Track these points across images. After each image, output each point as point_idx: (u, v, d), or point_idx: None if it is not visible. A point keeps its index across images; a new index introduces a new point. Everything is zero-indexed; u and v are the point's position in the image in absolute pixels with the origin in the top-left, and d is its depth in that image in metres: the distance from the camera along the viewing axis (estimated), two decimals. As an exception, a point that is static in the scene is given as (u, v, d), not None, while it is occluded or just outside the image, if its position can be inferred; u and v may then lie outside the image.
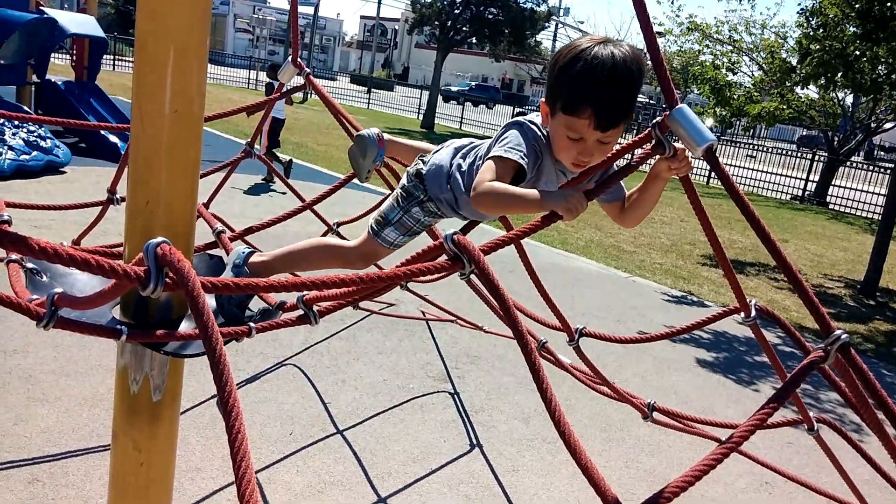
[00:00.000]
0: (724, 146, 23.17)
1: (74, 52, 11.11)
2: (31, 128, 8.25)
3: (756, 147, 23.12)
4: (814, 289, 8.46)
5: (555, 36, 46.66)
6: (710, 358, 5.54)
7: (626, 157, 1.66)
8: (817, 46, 8.26)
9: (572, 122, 1.61)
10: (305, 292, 1.56)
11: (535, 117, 1.77)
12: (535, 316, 2.56)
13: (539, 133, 1.74)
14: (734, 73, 12.21)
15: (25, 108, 9.60)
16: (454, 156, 1.97)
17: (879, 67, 9.28)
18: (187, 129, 1.49)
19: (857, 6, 7.29)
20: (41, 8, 9.98)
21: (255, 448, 3.32)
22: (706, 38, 15.04)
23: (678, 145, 1.52)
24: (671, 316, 6.42)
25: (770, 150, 22.23)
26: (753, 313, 1.81)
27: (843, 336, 1.23)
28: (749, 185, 19.98)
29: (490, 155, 1.71)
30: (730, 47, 14.70)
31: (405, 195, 2.01)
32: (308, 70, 2.45)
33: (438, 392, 4.23)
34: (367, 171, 2.27)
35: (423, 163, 2.00)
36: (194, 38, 1.46)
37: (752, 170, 20.09)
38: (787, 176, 19.22)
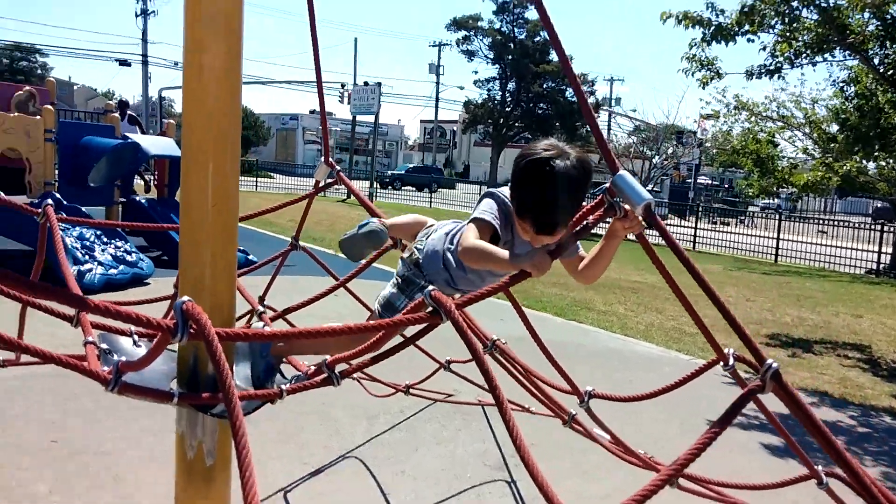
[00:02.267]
0: (792, 223, 22.72)
1: (156, 171, 12.10)
2: (119, 244, 8.95)
3: (825, 222, 22.59)
4: (891, 364, 8.10)
5: (609, 125, 47.51)
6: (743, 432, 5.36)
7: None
8: (853, 119, 8.30)
9: (522, 224, 1.92)
10: (327, 357, 1.76)
11: (506, 189, 2.04)
12: (550, 381, 2.70)
13: (509, 202, 2.01)
14: (776, 146, 12.26)
15: (112, 225, 10.43)
16: (445, 240, 2.25)
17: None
18: (224, 218, 1.76)
19: (888, 74, 7.33)
20: (126, 134, 11.01)
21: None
22: (754, 116, 15.15)
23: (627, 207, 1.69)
24: (731, 396, 6.25)
25: (839, 223, 21.67)
26: (731, 361, 1.93)
27: (774, 365, 1.34)
28: (820, 262, 19.41)
29: (469, 219, 2.01)
30: (780, 123, 14.75)
31: (406, 283, 2.29)
32: (339, 168, 2.78)
33: (495, 481, 4.26)
34: (364, 256, 2.58)
35: (419, 250, 2.28)
36: (228, 147, 1.76)
37: (823, 245, 19.58)
38: (858, 249, 18.61)
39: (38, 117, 9.44)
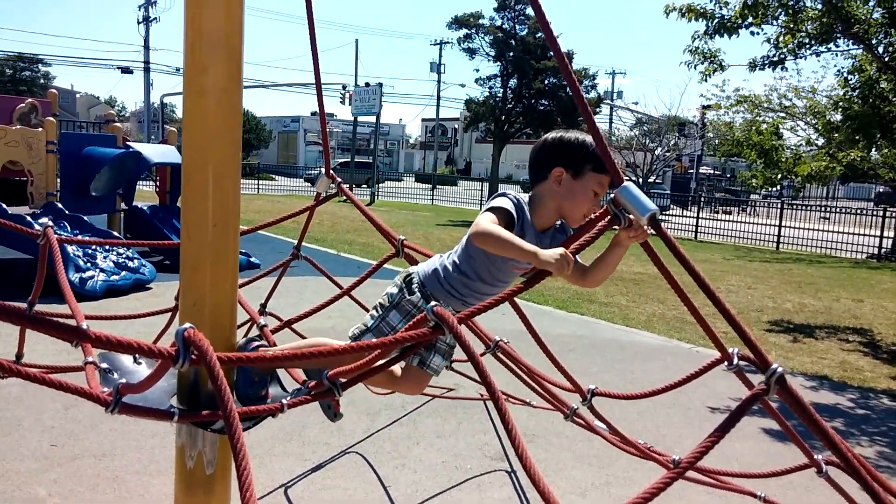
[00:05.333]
0: (794, 210, 22.71)
1: (158, 179, 12.19)
2: (120, 250, 9.05)
3: (827, 208, 22.57)
4: (891, 347, 8.14)
5: (610, 119, 47.45)
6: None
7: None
8: (854, 108, 8.34)
9: (602, 179, 2.03)
10: (328, 370, 1.82)
11: (516, 192, 2.15)
12: (553, 379, 2.74)
13: (520, 199, 2.10)
14: (779, 137, 12.30)
15: (115, 233, 10.52)
16: (440, 257, 2.33)
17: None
18: (226, 239, 1.81)
19: (892, 62, 7.35)
20: (127, 143, 11.10)
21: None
22: (756, 108, 15.17)
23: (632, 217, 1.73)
24: (736, 385, 6.31)
25: (841, 210, 21.66)
26: (736, 360, 1.95)
27: (779, 369, 1.38)
28: (822, 248, 19.41)
29: (483, 209, 2.06)
30: (782, 114, 14.77)
31: (384, 302, 2.32)
32: (339, 180, 2.81)
33: (496, 471, 4.33)
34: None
35: (410, 273, 2.35)
36: (229, 167, 1.81)
37: (825, 231, 19.58)
38: (860, 234, 18.61)
39: (41, 129, 9.54)
